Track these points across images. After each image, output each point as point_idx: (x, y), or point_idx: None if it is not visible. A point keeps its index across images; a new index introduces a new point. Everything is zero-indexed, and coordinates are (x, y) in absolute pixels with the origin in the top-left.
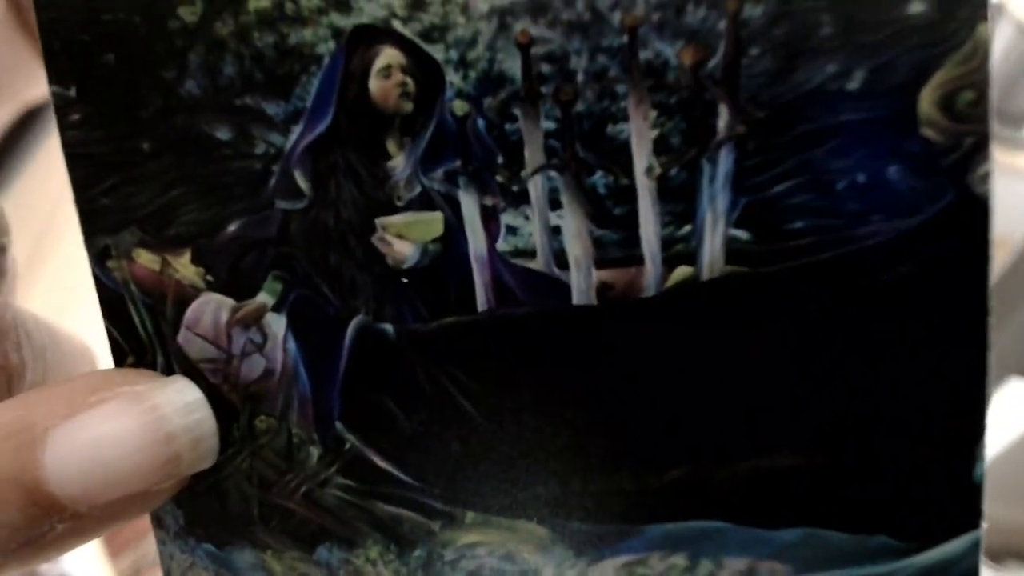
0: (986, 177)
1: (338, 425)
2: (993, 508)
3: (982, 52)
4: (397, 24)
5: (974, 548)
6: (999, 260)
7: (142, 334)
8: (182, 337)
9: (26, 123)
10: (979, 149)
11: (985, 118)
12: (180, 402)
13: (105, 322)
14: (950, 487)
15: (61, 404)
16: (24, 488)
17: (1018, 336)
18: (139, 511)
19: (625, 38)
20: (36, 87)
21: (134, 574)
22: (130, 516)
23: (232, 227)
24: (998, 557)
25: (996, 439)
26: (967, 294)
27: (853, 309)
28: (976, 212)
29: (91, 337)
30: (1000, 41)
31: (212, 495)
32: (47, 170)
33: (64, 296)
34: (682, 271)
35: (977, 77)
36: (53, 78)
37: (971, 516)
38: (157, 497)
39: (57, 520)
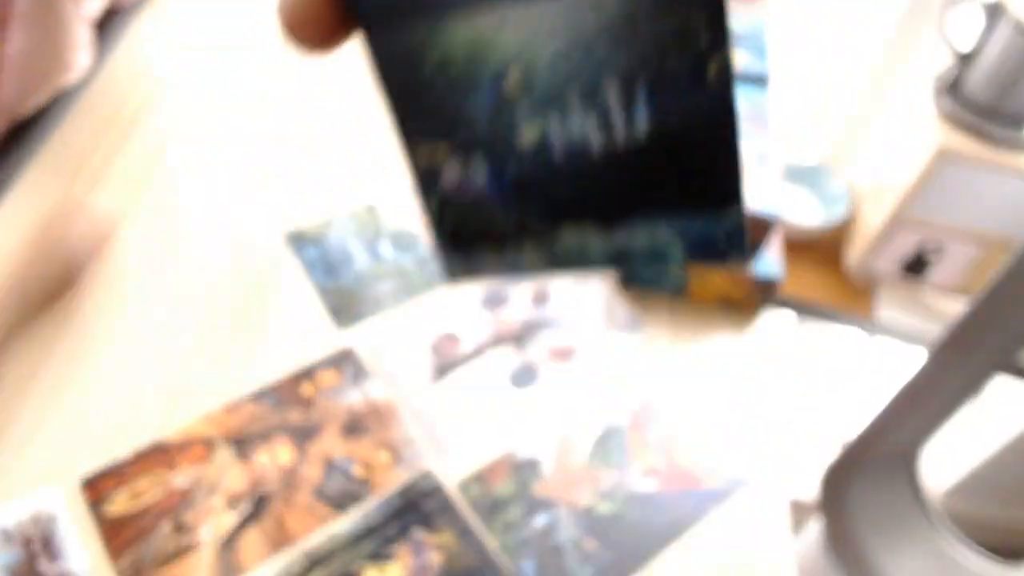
0: None
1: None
2: (993, 508)
3: None
4: None
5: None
6: (996, 261)
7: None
8: None
9: (16, 135)
10: None
11: None
12: None
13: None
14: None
15: None
16: None
17: (1018, 336)
18: None
19: None
20: (27, 100)
21: (134, 574)
22: None
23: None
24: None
25: (996, 439)
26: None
27: None
28: None
29: (92, 334)
30: (998, 42)
31: None
32: (55, 164)
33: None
34: None
35: None
36: None
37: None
38: None
39: None
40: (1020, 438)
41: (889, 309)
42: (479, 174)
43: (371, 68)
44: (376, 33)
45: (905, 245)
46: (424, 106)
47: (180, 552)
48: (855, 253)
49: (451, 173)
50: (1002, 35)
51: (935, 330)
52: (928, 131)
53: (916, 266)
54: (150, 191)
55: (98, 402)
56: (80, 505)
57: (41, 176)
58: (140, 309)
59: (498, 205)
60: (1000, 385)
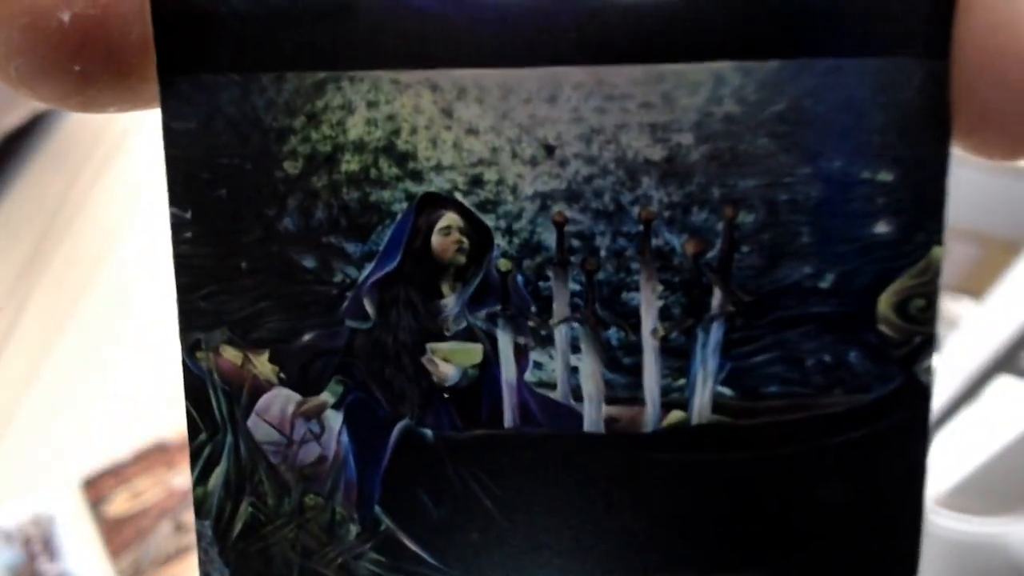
0: (930, 369)
1: (377, 508)
2: (993, 507)
3: (934, 268)
4: (458, 195)
5: None
6: (997, 261)
7: (217, 415)
8: (251, 421)
9: (30, 126)
10: (926, 346)
11: (933, 322)
12: None
13: (186, 402)
14: None
15: None
16: None
17: (1018, 336)
18: None
19: (641, 227)
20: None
21: (134, 574)
22: None
23: (307, 337)
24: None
25: (996, 439)
26: (908, 463)
27: (814, 462)
28: (919, 396)
29: (92, 334)
30: None
31: (259, 558)
32: (50, 171)
33: (64, 293)
34: (676, 415)
35: (928, 288)
36: (173, 202)
37: None
38: None
39: None
40: (1020, 440)
41: None
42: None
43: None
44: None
45: None
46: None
47: (180, 552)
48: None
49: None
50: None
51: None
52: None
53: None
54: (151, 192)
55: (98, 402)
56: (80, 505)
57: (54, 164)
58: (142, 308)
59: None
60: (1001, 386)
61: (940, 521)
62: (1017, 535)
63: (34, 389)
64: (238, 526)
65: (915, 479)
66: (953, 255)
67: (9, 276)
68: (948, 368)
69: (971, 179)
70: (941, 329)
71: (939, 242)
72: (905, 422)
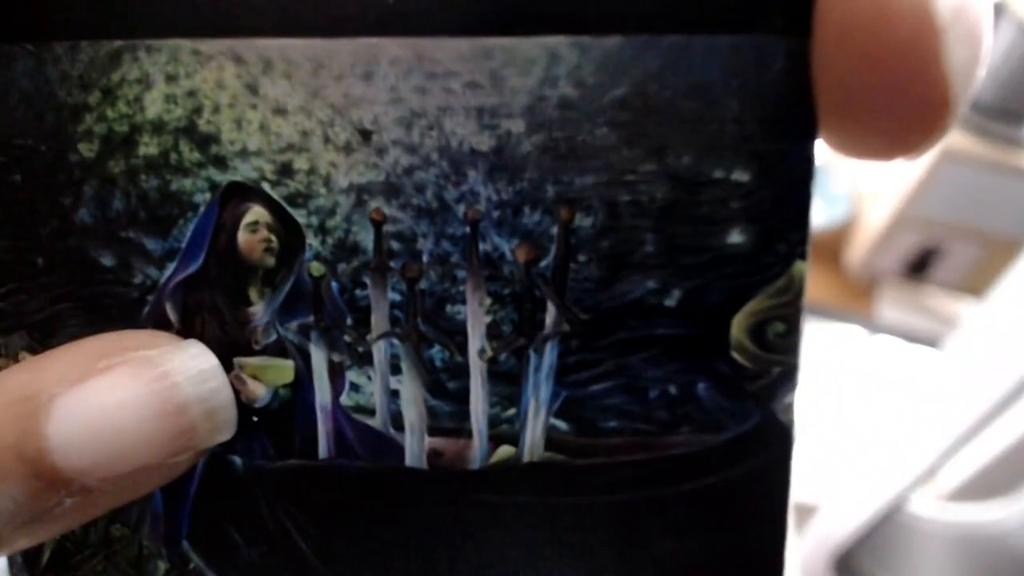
0: (790, 407)
1: (185, 544)
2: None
3: (796, 287)
4: (266, 186)
5: None
6: (999, 260)
7: None
8: None
9: None
10: (786, 379)
11: (794, 350)
12: (194, 370)
13: None
14: None
15: (69, 369)
16: (28, 461)
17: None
18: (154, 484)
19: (467, 229)
20: None
21: None
22: (145, 489)
23: None
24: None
25: (997, 439)
26: (766, 513)
27: (657, 511)
28: (779, 438)
29: None
30: (1001, 41)
31: None
32: None
33: None
34: (505, 450)
35: (789, 311)
36: None
37: None
38: (172, 470)
39: (65, 494)
40: (1021, 441)
41: (890, 309)
42: None
43: None
44: None
45: (907, 245)
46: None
47: None
48: (856, 253)
49: None
50: (1005, 35)
51: (937, 330)
52: None
53: (918, 266)
54: None
55: None
56: None
57: None
58: None
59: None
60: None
61: (940, 516)
62: (1014, 522)
63: None
64: (46, 555)
65: (773, 536)
66: (955, 254)
67: None
68: (949, 368)
69: (973, 178)
70: (943, 328)
71: (803, 256)
72: (762, 468)
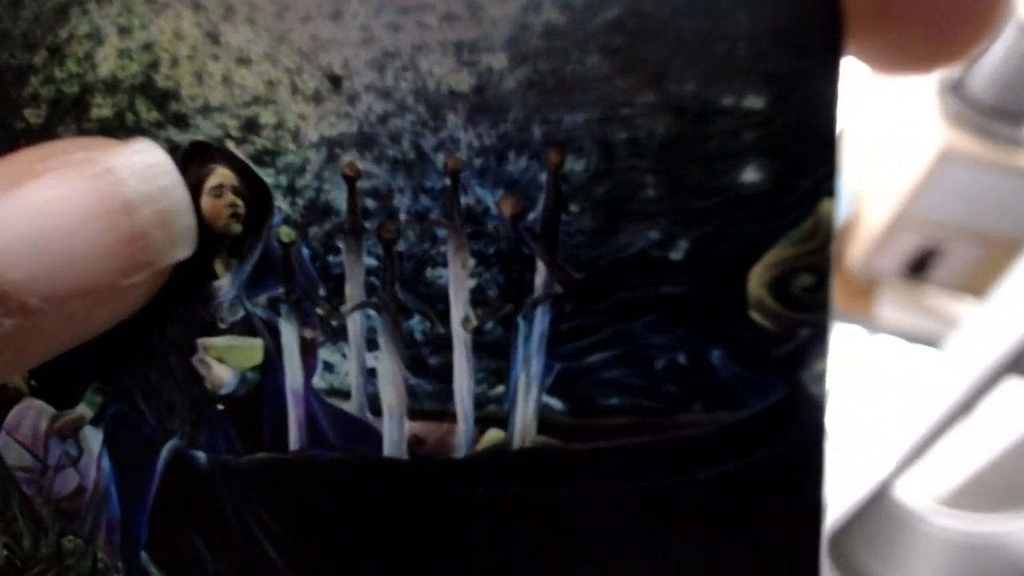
0: (821, 376)
1: (143, 556)
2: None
3: (824, 231)
4: (231, 145)
5: None
6: (999, 261)
7: None
8: (1, 441)
9: None
10: (815, 342)
11: (825, 307)
12: (140, 164)
13: None
14: None
15: (3, 176)
16: None
17: (1019, 337)
18: (108, 316)
19: (447, 181)
20: None
21: None
22: (99, 320)
23: None
24: None
25: (996, 439)
26: (797, 505)
27: (667, 505)
28: (809, 414)
29: None
30: (1001, 41)
31: None
32: None
33: None
34: (493, 435)
35: (816, 259)
36: None
37: None
38: (128, 295)
39: (3, 313)
40: (1022, 441)
41: (890, 309)
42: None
43: None
44: None
45: (907, 245)
46: None
47: None
48: (857, 252)
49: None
50: (1006, 35)
51: (937, 330)
52: (931, 130)
53: (918, 266)
54: None
55: None
56: None
57: None
58: None
59: None
60: (1002, 388)
61: (941, 521)
62: (1018, 534)
63: None
64: None
65: (805, 533)
66: (955, 254)
67: None
68: (950, 369)
69: (974, 179)
70: (943, 328)
71: (830, 192)
72: (789, 451)
